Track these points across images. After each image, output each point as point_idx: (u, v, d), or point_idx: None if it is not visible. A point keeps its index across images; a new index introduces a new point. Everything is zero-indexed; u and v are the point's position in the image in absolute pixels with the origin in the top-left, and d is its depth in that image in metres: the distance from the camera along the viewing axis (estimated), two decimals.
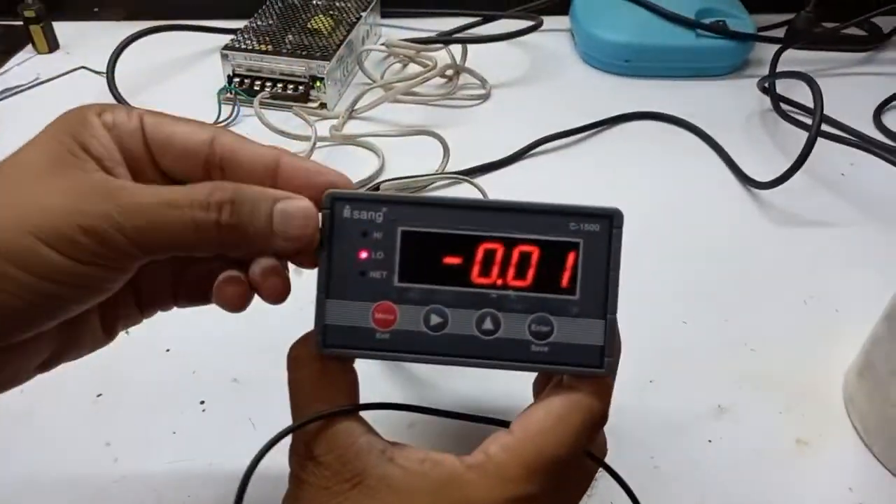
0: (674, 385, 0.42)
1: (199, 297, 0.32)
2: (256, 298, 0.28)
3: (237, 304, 0.28)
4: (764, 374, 0.42)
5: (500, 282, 0.27)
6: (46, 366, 0.29)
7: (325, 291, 0.28)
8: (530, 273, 0.27)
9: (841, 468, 0.38)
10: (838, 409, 0.41)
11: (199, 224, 0.25)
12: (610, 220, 0.27)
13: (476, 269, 0.27)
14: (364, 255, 0.27)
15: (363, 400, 0.30)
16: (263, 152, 0.28)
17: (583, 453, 0.28)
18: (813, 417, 0.40)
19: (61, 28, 0.73)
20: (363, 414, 0.28)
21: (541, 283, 0.27)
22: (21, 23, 0.71)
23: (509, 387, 0.40)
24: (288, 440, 0.28)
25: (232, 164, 0.28)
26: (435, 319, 0.27)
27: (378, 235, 0.27)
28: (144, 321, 0.43)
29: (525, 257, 0.27)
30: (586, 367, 0.28)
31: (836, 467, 0.38)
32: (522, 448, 0.26)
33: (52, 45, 0.73)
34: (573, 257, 0.27)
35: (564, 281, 0.27)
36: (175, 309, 0.41)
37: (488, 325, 0.27)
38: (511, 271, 0.27)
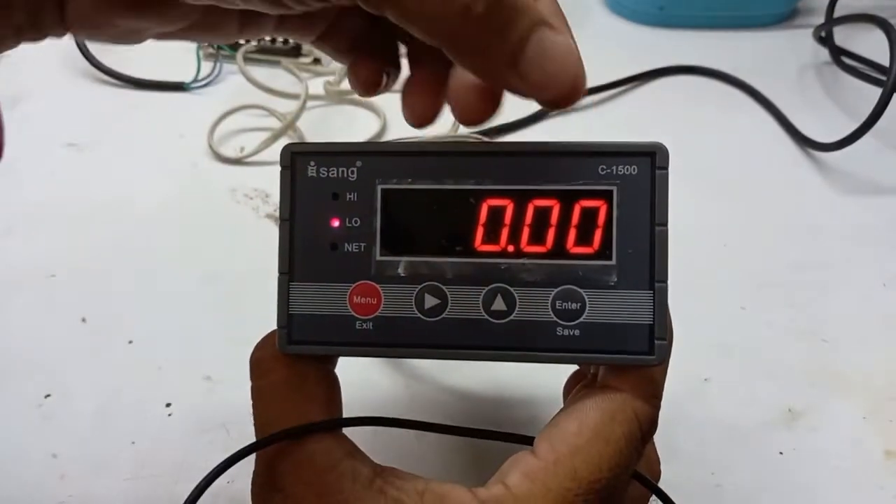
0: (734, 384, 0.35)
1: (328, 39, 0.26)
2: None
3: (370, 86, 0.25)
4: (841, 371, 0.36)
5: (511, 248, 0.22)
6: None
7: (289, 272, 0.22)
8: (550, 234, 0.22)
9: None
10: None
11: None
12: (651, 159, 0.22)
13: (480, 234, 0.22)
14: (336, 223, 0.22)
15: (347, 410, 0.24)
16: None
17: (630, 476, 0.22)
18: None
19: None
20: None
21: (565, 246, 0.22)
22: None
23: (538, 383, 0.34)
24: (249, 463, 0.22)
25: None
26: (430, 301, 0.22)
27: (352, 197, 0.22)
28: (104, 306, 0.35)
29: (542, 214, 0.22)
30: (631, 354, 0.22)
31: None
32: (552, 474, 0.20)
33: None
34: (605, 210, 0.22)
35: (595, 242, 0.22)
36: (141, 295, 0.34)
37: (500, 304, 0.22)
38: (525, 233, 0.22)
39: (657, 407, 0.22)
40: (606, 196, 0.22)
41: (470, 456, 0.32)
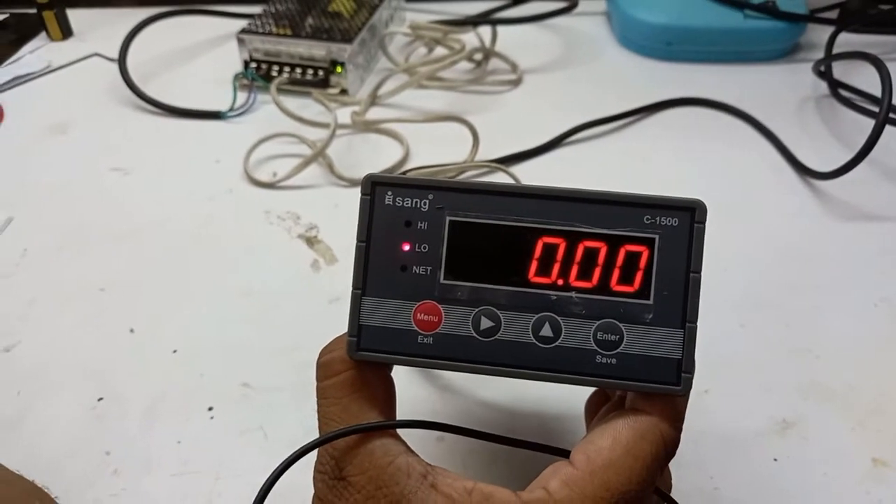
0: (732, 396, 0.38)
1: None
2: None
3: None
4: (832, 385, 0.38)
5: (561, 282, 0.24)
6: None
7: (362, 288, 0.25)
8: (596, 272, 0.24)
9: None
10: None
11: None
12: (691, 214, 0.24)
13: (534, 267, 0.24)
14: (406, 247, 0.25)
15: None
16: None
17: (651, 489, 0.24)
18: (890, 434, 0.36)
19: (75, 14, 0.72)
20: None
21: (609, 284, 0.24)
22: (34, 10, 0.69)
23: (550, 396, 0.37)
24: (311, 456, 0.25)
25: None
26: (486, 323, 0.24)
27: (423, 226, 0.25)
28: (150, 318, 0.40)
29: (591, 254, 0.24)
30: (660, 384, 0.24)
31: None
32: (588, 483, 0.23)
33: (66, 32, 0.71)
34: (647, 255, 0.24)
35: (636, 282, 0.24)
36: (184, 308, 0.37)
37: (547, 331, 0.24)
38: (574, 270, 0.24)
39: (680, 430, 0.24)
40: (649, 243, 0.24)
41: (486, 459, 0.34)
